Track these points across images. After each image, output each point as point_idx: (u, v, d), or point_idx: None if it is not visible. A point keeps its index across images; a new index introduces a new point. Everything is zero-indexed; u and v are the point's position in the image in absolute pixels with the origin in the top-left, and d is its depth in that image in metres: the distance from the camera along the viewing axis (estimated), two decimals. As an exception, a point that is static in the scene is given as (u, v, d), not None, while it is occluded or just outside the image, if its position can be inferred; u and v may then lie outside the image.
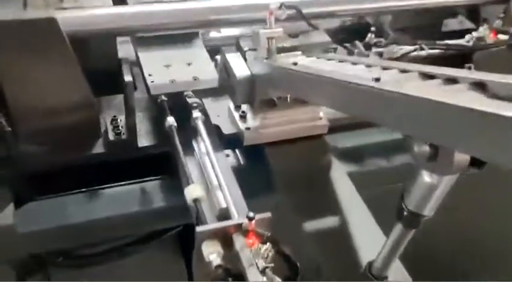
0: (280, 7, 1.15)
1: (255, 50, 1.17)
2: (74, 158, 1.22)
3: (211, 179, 1.05)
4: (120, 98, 1.36)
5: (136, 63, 1.28)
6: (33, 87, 1.12)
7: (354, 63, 0.95)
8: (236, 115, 1.31)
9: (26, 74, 1.10)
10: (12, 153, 1.16)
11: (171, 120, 1.14)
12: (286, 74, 0.97)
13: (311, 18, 1.25)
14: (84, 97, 1.17)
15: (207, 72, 1.26)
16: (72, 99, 1.17)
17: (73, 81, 1.14)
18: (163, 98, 1.20)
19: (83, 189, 1.19)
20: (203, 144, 1.15)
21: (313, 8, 1.28)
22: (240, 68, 1.18)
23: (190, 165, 1.09)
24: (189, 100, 1.18)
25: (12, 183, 1.16)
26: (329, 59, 1.06)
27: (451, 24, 1.67)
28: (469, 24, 1.66)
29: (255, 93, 1.18)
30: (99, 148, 1.23)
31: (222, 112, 1.36)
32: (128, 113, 1.20)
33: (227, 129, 1.32)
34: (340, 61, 1.00)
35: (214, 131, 1.24)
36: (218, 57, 1.35)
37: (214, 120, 1.32)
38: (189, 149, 1.15)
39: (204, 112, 1.23)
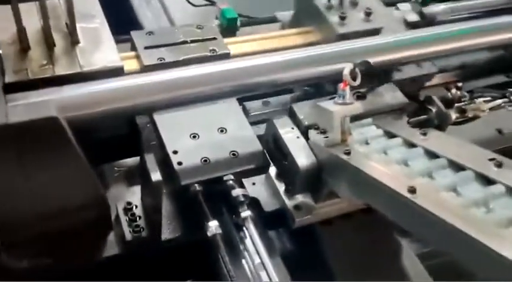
0: (353, 69, 0.87)
1: (322, 131, 0.88)
2: (81, 267, 0.93)
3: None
4: (129, 162, 1.08)
5: (152, 127, 0.97)
6: (27, 197, 0.81)
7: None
8: (280, 188, 1.04)
9: (15, 184, 0.78)
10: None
11: (214, 226, 0.86)
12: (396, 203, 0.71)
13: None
14: (92, 196, 0.88)
15: (247, 142, 0.96)
16: (77, 201, 0.87)
17: (77, 182, 0.84)
18: (198, 187, 0.90)
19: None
20: (254, 248, 0.89)
21: (381, 57, 1.00)
22: (302, 154, 0.89)
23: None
24: (234, 192, 0.90)
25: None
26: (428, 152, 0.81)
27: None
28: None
29: (321, 187, 0.91)
30: (111, 249, 0.95)
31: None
32: (153, 211, 0.91)
33: (267, 203, 1.06)
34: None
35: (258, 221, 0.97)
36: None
37: (248, 187, 1.05)
38: (236, 258, 0.90)
39: (254, 201, 0.96)
